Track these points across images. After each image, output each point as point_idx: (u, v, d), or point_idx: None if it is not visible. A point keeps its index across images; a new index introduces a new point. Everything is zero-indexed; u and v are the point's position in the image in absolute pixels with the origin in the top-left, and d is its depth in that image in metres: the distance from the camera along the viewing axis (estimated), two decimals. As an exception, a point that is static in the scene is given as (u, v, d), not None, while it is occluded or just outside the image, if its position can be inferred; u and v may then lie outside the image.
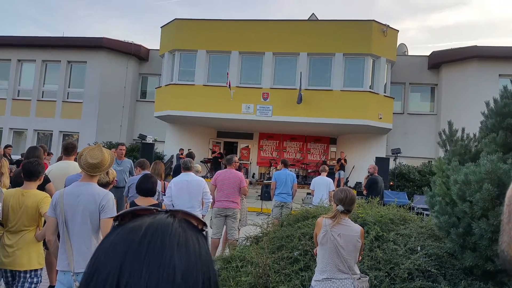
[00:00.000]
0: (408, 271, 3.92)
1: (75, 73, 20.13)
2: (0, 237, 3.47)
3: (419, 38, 72.80)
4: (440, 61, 17.73)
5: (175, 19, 17.40)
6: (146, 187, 4.08)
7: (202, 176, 7.01)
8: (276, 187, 8.44)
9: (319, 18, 19.18)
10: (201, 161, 16.47)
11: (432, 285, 3.77)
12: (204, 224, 0.62)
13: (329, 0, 74.17)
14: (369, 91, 15.71)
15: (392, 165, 15.13)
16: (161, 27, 18.21)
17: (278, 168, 10.99)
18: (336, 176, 15.76)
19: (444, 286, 3.75)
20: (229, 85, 15.34)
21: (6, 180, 3.79)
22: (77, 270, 2.95)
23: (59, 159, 5.58)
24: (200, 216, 4.90)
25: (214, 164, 17.63)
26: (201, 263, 0.55)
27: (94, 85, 19.25)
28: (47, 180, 4.15)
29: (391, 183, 14.55)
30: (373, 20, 15.87)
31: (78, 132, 19.23)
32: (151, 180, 4.19)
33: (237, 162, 7.14)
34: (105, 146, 17.34)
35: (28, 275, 3.45)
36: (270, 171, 17.89)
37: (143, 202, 4.04)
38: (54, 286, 4.04)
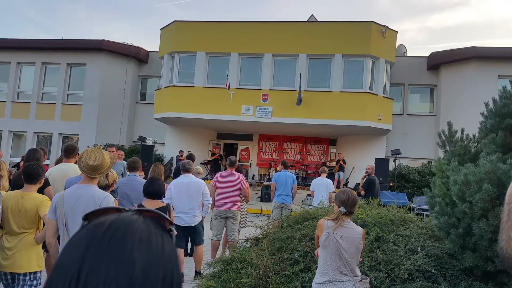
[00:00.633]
0: (408, 272, 3.92)
1: (74, 75, 20.12)
2: None
3: (419, 39, 72.91)
4: (439, 62, 17.75)
5: (175, 21, 17.43)
6: (153, 190, 4.06)
7: (202, 178, 7.00)
8: (276, 188, 8.44)
9: (318, 20, 19.22)
10: (200, 163, 16.47)
11: (432, 286, 3.77)
12: (172, 224, 0.64)
13: (329, 1, 74.30)
14: (369, 92, 15.73)
15: (391, 166, 15.14)
16: (160, 29, 18.24)
17: (278, 169, 11.00)
18: (336, 177, 15.77)
19: (444, 286, 3.75)
20: (229, 86, 15.35)
21: (6, 182, 3.79)
22: (78, 272, 2.95)
23: (59, 161, 5.57)
24: (200, 218, 4.88)
25: (214, 166, 17.62)
26: (163, 258, 0.56)
27: (93, 87, 19.25)
28: (46, 183, 4.15)
29: (391, 184, 14.56)
30: (372, 21, 15.90)
31: (78, 134, 19.22)
32: (159, 183, 4.17)
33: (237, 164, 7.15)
34: (105, 148, 17.34)
35: (27, 278, 3.45)
36: (270, 172, 17.89)
37: (150, 204, 4.03)
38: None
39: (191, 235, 6.08)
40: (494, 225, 3.20)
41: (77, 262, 0.52)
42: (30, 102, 19.89)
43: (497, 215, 3.20)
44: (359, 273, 3.17)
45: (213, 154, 18.35)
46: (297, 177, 16.57)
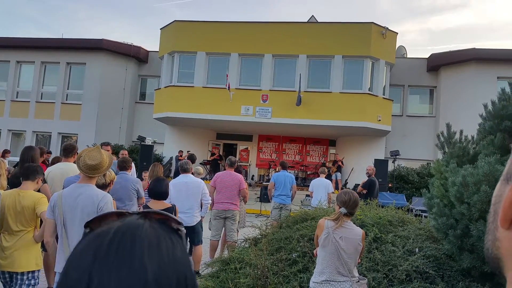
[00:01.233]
0: (406, 273, 3.93)
1: (74, 74, 20.11)
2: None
3: (419, 40, 72.97)
4: (439, 63, 17.77)
5: (175, 21, 17.42)
6: (159, 191, 4.05)
7: (201, 178, 7.00)
8: (275, 188, 8.45)
9: (318, 20, 19.22)
10: (200, 163, 16.47)
11: (430, 287, 3.78)
12: (180, 224, 0.61)
13: (329, 2, 74.33)
14: (368, 93, 15.74)
15: (391, 167, 15.14)
16: (160, 29, 18.23)
17: (277, 170, 11.00)
18: (333, 178, 15.75)
19: (442, 287, 3.75)
20: (229, 87, 15.35)
21: (4, 181, 3.79)
22: (76, 272, 2.95)
23: (56, 160, 5.57)
24: (199, 218, 4.87)
25: (213, 166, 17.62)
26: (175, 262, 0.54)
27: (93, 87, 19.24)
28: (43, 182, 4.16)
29: (390, 185, 14.56)
30: (372, 22, 15.91)
31: (77, 134, 19.20)
32: (164, 183, 4.16)
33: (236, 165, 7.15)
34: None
35: (25, 277, 3.45)
36: (269, 173, 17.89)
37: (156, 205, 4.02)
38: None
39: (190, 235, 6.07)
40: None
41: (84, 280, 0.49)
42: (29, 101, 19.88)
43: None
44: (356, 274, 3.18)
45: (212, 154, 18.35)
46: (297, 178, 16.56)
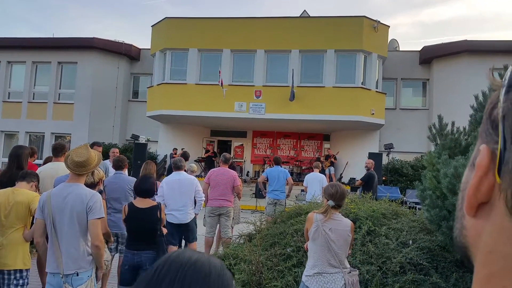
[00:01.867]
0: (400, 265, 3.94)
1: (66, 74, 19.95)
2: None
3: (411, 33, 73.10)
4: (431, 56, 17.81)
5: (166, 18, 17.31)
6: (144, 188, 4.02)
7: (196, 175, 6.98)
8: (269, 184, 8.44)
9: (310, 15, 19.18)
10: (195, 160, 16.42)
11: (424, 278, 3.79)
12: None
13: (321, -3, 74.19)
14: (361, 87, 15.75)
15: (385, 160, 15.19)
16: (151, 26, 18.10)
17: (271, 165, 11.00)
18: (327, 172, 15.77)
19: (436, 278, 3.77)
20: (222, 83, 15.29)
21: (-7, 181, 3.76)
22: (66, 272, 2.92)
23: (48, 160, 5.52)
24: (193, 215, 4.87)
25: (207, 163, 17.58)
26: None
27: (85, 86, 19.09)
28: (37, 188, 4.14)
29: (384, 178, 14.62)
30: (364, 16, 15.90)
31: (70, 134, 19.07)
32: (150, 181, 4.13)
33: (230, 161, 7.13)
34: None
35: (12, 276, 3.41)
36: (264, 169, 17.88)
37: (141, 203, 3.99)
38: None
39: (184, 232, 6.06)
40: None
41: None
42: (21, 102, 19.70)
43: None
44: (348, 265, 3.22)
45: (207, 151, 18.30)
46: (291, 173, 16.57)
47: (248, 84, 16.32)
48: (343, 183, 15.08)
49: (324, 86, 15.89)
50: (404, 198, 11.80)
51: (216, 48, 16.66)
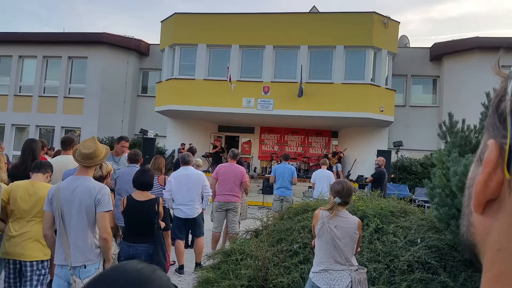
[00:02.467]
0: (407, 263, 3.91)
1: (76, 68, 20.11)
2: (5, 228, 3.50)
3: (422, 30, 72.32)
4: (441, 52, 17.59)
5: (175, 13, 17.32)
6: (143, 180, 4.04)
7: (203, 171, 7.00)
8: (275, 181, 8.43)
9: (320, 11, 19.05)
10: (202, 156, 16.47)
11: (432, 277, 3.76)
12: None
13: (331, -8, 73.58)
14: (371, 84, 15.63)
15: (394, 158, 15.08)
16: (161, 22, 18.13)
17: (279, 162, 10.99)
18: (334, 169, 15.71)
19: (444, 278, 3.73)
20: (230, 79, 15.28)
21: (4, 174, 3.80)
22: (74, 264, 2.95)
23: (58, 153, 5.56)
24: (200, 210, 4.92)
25: (215, 159, 17.62)
26: None
27: (95, 81, 19.24)
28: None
29: (393, 175, 14.52)
30: (374, 12, 15.75)
31: (80, 128, 19.25)
32: (148, 174, 4.15)
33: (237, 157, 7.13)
34: (107, 142, 17.12)
35: (35, 268, 3.46)
36: (271, 165, 17.87)
37: (140, 196, 4.02)
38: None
39: (191, 227, 6.09)
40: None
41: None
42: (32, 96, 19.92)
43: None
44: (355, 263, 3.19)
45: (214, 147, 18.34)
46: (299, 170, 16.55)
47: (257, 80, 16.28)
48: (351, 180, 15.02)
49: (333, 83, 15.80)
50: (413, 196, 11.71)
51: (225, 44, 16.63)
